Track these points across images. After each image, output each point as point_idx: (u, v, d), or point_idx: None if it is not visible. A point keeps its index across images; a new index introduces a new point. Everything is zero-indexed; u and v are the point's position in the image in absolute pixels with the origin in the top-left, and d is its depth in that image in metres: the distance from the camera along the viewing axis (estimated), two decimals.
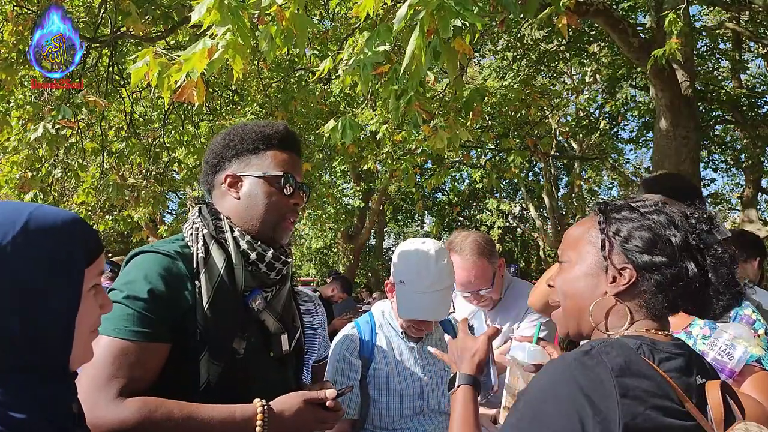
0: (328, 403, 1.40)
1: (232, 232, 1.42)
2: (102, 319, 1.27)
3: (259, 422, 1.28)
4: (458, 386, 1.36)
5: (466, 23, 2.07)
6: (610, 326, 1.08)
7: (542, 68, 10.94)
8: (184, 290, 1.32)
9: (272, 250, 1.44)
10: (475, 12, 1.95)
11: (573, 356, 0.98)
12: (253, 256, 1.41)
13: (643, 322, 1.06)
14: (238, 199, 1.46)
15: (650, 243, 1.04)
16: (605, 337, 1.07)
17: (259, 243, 1.43)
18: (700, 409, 0.96)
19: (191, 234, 1.41)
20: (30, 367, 0.87)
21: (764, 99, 9.86)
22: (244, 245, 1.41)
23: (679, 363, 1.01)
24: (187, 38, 6.21)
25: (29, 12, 5.38)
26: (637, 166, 19.61)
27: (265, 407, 1.30)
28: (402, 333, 1.98)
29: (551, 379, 0.98)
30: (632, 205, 1.11)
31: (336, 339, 2.02)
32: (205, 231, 1.40)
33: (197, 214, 1.47)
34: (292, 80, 8.38)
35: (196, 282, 1.33)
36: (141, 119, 7.64)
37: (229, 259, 1.38)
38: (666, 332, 1.06)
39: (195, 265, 1.35)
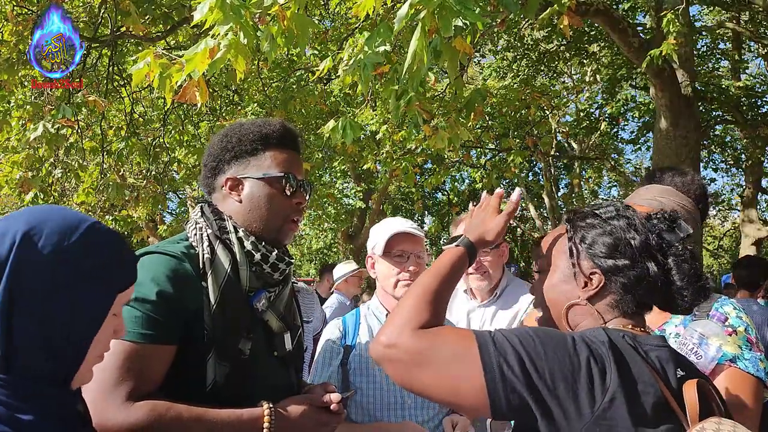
0: (332, 407, 1.42)
1: (237, 232, 1.41)
2: None
3: (266, 424, 1.29)
4: (455, 244, 1.24)
5: (467, 23, 2.07)
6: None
7: (542, 68, 10.95)
8: (192, 292, 1.32)
9: (276, 251, 1.44)
10: (476, 12, 1.95)
11: (569, 332, 1.06)
12: (257, 256, 1.41)
13: (617, 321, 1.11)
14: (240, 202, 1.45)
15: (612, 247, 1.11)
16: None
17: (263, 244, 1.43)
18: (678, 402, 0.99)
19: (195, 234, 1.41)
20: (40, 372, 0.87)
21: (764, 99, 9.85)
22: (248, 246, 1.41)
23: (663, 354, 1.05)
24: (188, 39, 6.21)
25: (29, 12, 5.38)
26: (637, 167, 19.59)
27: (272, 409, 1.32)
28: (386, 316, 2.01)
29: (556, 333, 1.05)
30: (595, 212, 1.17)
31: (324, 330, 2.15)
32: (209, 231, 1.40)
33: (200, 213, 1.46)
34: (291, 80, 8.38)
35: (203, 283, 1.33)
36: (141, 119, 7.64)
37: (235, 260, 1.38)
38: (642, 329, 1.11)
39: (201, 266, 1.35)
